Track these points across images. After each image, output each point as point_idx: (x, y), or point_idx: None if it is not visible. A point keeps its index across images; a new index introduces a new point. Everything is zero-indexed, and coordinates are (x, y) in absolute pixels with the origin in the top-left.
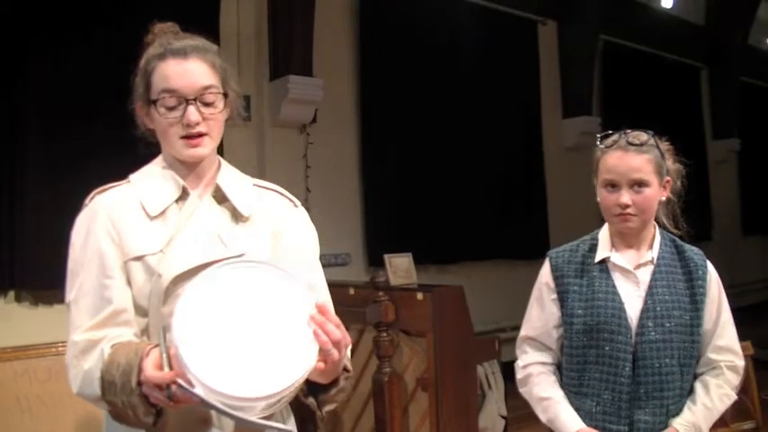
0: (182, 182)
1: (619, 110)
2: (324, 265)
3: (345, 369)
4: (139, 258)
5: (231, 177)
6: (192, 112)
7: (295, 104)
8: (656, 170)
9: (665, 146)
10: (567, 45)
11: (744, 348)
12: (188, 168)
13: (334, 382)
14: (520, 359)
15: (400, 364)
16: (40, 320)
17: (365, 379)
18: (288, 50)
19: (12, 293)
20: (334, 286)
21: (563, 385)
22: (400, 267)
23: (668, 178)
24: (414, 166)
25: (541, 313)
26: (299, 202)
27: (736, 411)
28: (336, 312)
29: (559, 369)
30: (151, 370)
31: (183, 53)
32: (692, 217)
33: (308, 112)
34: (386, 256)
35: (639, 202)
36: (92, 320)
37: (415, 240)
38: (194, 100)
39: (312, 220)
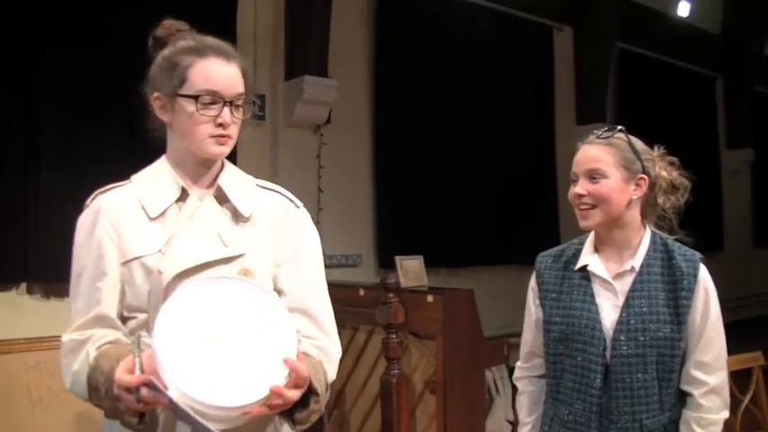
0: (181, 183)
1: (633, 117)
2: (334, 266)
3: (315, 392)
4: (137, 259)
5: (233, 178)
6: (227, 114)
7: (309, 105)
8: (618, 163)
9: (657, 152)
10: (582, 52)
11: (755, 359)
12: (197, 167)
13: (304, 404)
14: (517, 363)
15: (409, 366)
16: (52, 313)
17: (373, 380)
18: (303, 51)
19: (23, 286)
20: (344, 287)
21: (546, 391)
22: (411, 270)
23: (642, 176)
24: (426, 168)
25: (530, 319)
26: (300, 204)
27: (747, 422)
28: (346, 313)
29: None
30: (120, 373)
31: (226, 55)
32: (704, 227)
33: (323, 112)
34: (397, 258)
35: (594, 191)
36: (79, 321)
37: (427, 243)
38: (230, 103)
39: (324, 220)
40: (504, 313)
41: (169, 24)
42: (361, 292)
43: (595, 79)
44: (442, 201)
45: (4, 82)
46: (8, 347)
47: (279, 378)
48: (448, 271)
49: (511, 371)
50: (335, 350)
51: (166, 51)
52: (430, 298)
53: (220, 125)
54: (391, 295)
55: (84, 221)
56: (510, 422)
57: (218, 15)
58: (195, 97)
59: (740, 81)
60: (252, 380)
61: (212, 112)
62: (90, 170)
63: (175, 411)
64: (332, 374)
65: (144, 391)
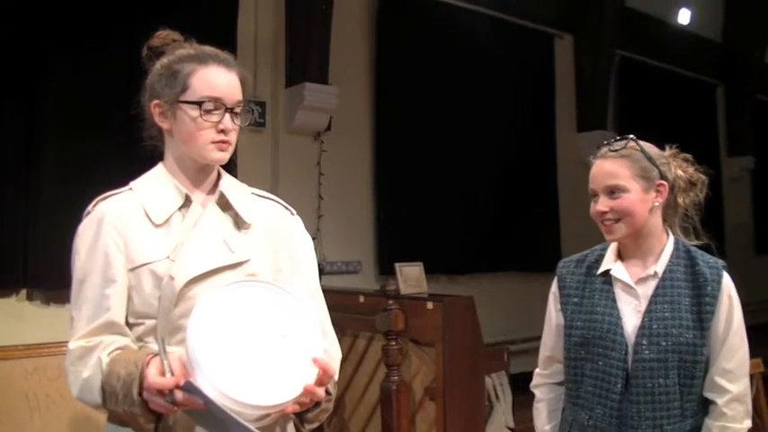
0: (184, 190)
1: (634, 125)
2: (335, 273)
3: (327, 392)
4: (146, 265)
5: (232, 186)
6: (229, 120)
7: (310, 112)
8: (635, 174)
9: (669, 151)
10: (583, 59)
11: (754, 366)
12: (195, 174)
13: (317, 404)
14: (535, 370)
15: (409, 373)
16: (51, 319)
17: (373, 387)
18: (304, 58)
19: (23, 292)
20: (344, 294)
21: (565, 396)
22: (411, 276)
23: (661, 182)
24: (427, 175)
25: (549, 324)
26: (294, 211)
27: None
28: (347, 320)
29: None
30: (153, 376)
31: (227, 64)
32: (705, 234)
33: (323, 119)
34: (397, 265)
35: (616, 207)
36: (87, 328)
37: (427, 250)
38: (230, 110)
39: (324, 227)
40: (504, 320)
41: (164, 35)
42: (361, 299)
43: (596, 87)
44: (442, 207)
45: (5, 92)
46: (7, 354)
47: (310, 376)
48: (448, 278)
49: (511, 377)
50: (337, 352)
51: (165, 60)
52: (430, 305)
53: (222, 131)
54: (391, 302)
55: (86, 228)
56: (510, 429)
57: (218, 23)
58: (199, 103)
59: (741, 89)
60: (285, 379)
61: (214, 118)
62: (90, 178)
63: (210, 413)
64: (335, 375)
65: (179, 394)
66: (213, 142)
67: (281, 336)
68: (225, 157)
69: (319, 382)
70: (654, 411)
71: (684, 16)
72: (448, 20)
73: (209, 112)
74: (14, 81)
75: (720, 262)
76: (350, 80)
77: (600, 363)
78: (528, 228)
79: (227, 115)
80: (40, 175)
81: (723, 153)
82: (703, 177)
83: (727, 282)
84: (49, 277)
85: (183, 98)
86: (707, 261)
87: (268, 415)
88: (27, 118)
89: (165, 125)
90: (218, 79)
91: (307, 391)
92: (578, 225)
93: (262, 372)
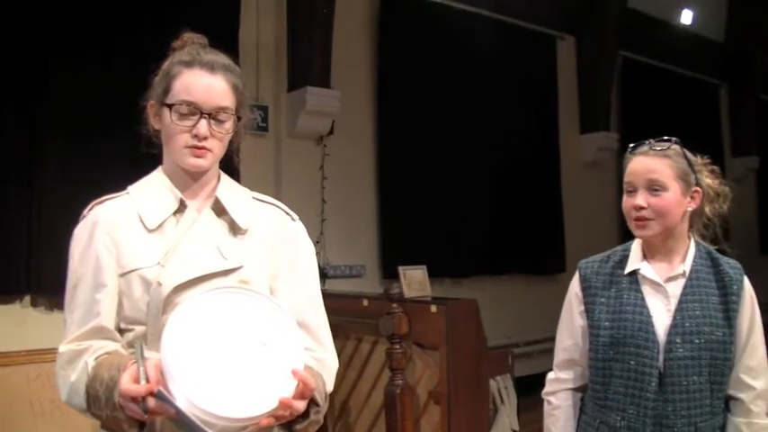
0: (179, 194)
1: (637, 126)
2: (338, 277)
3: (316, 403)
4: (135, 271)
5: (231, 190)
6: (204, 126)
7: (312, 116)
8: (677, 175)
9: (701, 160)
10: (585, 61)
11: None
12: (189, 179)
13: (305, 415)
14: (549, 375)
15: (413, 376)
16: (55, 325)
17: (377, 391)
18: (306, 62)
19: (27, 298)
20: (348, 297)
21: (588, 398)
22: (415, 280)
23: (697, 188)
24: (430, 178)
25: (571, 326)
26: (296, 217)
27: None
28: (350, 324)
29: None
30: (126, 383)
31: (210, 67)
32: (727, 243)
33: (326, 123)
34: (400, 269)
35: (655, 204)
36: (77, 332)
37: (430, 253)
38: (208, 115)
39: (328, 231)
40: (509, 323)
41: (187, 37)
42: (365, 303)
43: (599, 88)
44: (445, 211)
45: (7, 98)
46: (11, 359)
47: (288, 389)
48: (452, 281)
49: (515, 380)
50: (333, 362)
51: (166, 62)
52: (433, 308)
53: (195, 137)
54: (395, 305)
55: (81, 232)
56: None
57: (221, 27)
58: (170, 106)
59: (744, 88)
60: (261, 391)
61: (188, 122)
62: (93, 183)
63: (182, 422)
64: (330, 386)
65: (151, 401)
66: (187, 147)
67: (260, 345)
68: (200, 163)
69: (300, 395)
70: (689, 409)
71: (687, 17)
72: (450, 23)
73: (183, 116)
74: (16, 88)
75: (738, 263)
76: (352, 84)
77: (632, 362)
78: (531, 230)
79: (203, 121)
80: (43, 181)
81: (727, 153)
82: (727, 190)
83: (747, 281)
84: (53, 283)
85: (164, 100)
86: (727, 262)
87: (245, 427)
88: (29, 125)
89: (157, 126)
90: (195, 83)
91: (283, 405)
92: (581, 226)
93: (237, 382)
